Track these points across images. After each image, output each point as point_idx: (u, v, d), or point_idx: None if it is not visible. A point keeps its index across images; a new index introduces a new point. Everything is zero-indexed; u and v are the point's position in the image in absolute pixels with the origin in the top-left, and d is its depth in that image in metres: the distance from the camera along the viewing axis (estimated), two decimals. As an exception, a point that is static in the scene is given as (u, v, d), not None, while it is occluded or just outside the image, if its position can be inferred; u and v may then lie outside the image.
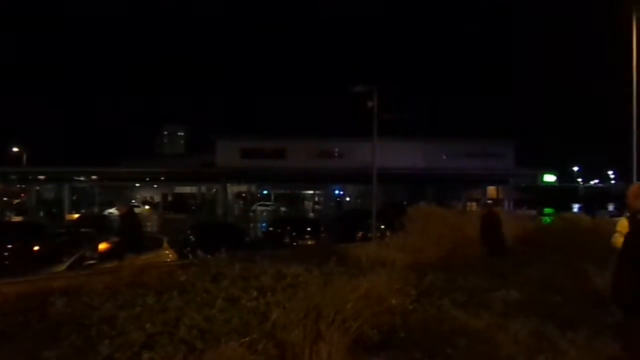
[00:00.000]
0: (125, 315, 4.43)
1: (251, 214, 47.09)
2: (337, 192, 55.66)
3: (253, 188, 54.72)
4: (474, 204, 45.64)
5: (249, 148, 41.63)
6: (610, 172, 75.88)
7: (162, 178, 49.79)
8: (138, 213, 17.28)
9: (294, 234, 17.92)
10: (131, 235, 9.58)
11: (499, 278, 7.65)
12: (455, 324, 5.07)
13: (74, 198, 51.66)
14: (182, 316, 4.31)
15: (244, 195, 55.04)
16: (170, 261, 9.99)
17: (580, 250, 10.32)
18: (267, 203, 53.64)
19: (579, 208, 42.94)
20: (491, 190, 48.13)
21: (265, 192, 56.05)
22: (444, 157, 41.18)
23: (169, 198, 58.18)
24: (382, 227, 17.87)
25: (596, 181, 78.62)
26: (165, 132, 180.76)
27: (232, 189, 51.96)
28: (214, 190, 52.79)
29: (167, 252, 11.08)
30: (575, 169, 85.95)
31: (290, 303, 4.57)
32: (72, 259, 8.81)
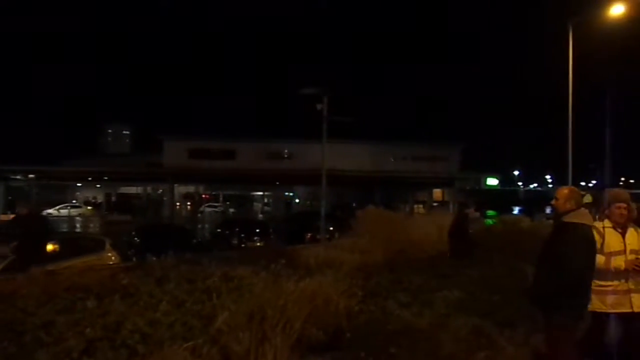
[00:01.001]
0: (63, 320, 4.26)
1: (199, 215, 46.30)
2: (286, 193, 55.61)
3: (201, 189, 53.83)
4: (421, 206, 46.83)
5: (197, 148, 40.92)
6: (548, 177, 79.52)
7: (106, 178, 48.14)
8: (44, 216, 16.20)
9: (243, 235, 17.79)
10: (30, 242, 8.43)
11: (442, 278, 7.87)
12: (399, 324, 5.18)
13: (10, 198, 49.16)
14: (124, 320, 4.20)
15: (191, 196, 54.05)
16: (113, 264, 9.68)
17: (519, 251, 10.73)
18: (216, 204, 52.91)
19: (519, 210, 44.65)
20: (437, 193, 49.46)
21: (213, 193, 55.27)
22: (392, 160, 41.95)
23: (113, 198, 56.31)
24: (331, 228, 18.02)
25: (535, 185, 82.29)
26: (110, 131, 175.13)
27: (180, 189, 50.91)
28: (160, 191, 51.55)
29: (109, 254, 10.72)
30: (516, 173, 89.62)
31: (236, 305, 4.54)
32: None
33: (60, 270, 6.55)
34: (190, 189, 53.85)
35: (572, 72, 18.91)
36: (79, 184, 55.15)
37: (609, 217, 4.60)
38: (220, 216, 41.51)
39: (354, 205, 33.01)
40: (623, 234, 4.54)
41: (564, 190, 4.11)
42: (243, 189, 55.91)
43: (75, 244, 11.38)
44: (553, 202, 4.13)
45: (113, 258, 10.63)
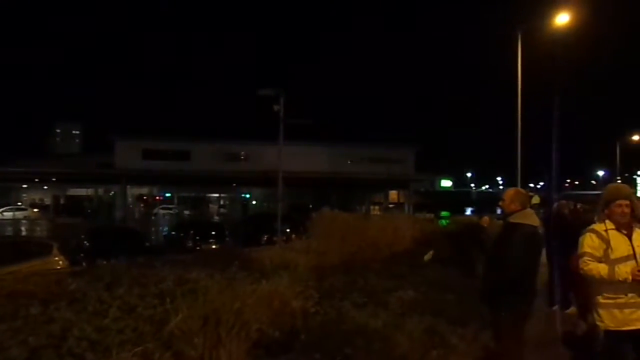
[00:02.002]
0: (4, 328, 4.06)
1: (153, 217, 45.27)
2: (243, 195, 55.10)
3: (155, 190, 52.65)
4: (377, 207, 47.41)
5: (151, 149, 40.09)
6: (499, 179, 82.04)
7: (54, 179, 46.37)
8: None
9: (198, 238, 17.51)
10: None
11: (397, 279, 7.96)
12: (354, 325, 5.20)
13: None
14: (71, 327, 4.03)
15: (145, 198, 52.80)
16: (61, 268, 9.34)
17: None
18: (170, 206, 51.87)
19: (472, 211, 45.84)
20: (393, 194, 50.21)
21: (168, 194, 54.14)
22: (348, 162, 42.32)
23: (62, 201, 54.30)
24: (288, 230, 18.00)
25: (487, 186, 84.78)
26: (59, 131, 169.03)
27: (133, 191, 49.64)
28: (112, 192, 50.11)
29: (57, 258, 10.33)
30: (469, 174, 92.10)
31: (190, 309, 4.45)
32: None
33: (3, 276, 6.25)
34: (144, 190, 52.61)
35: (521, 76, 19.60)
36: (24, 186, 52.90)
37: (609, 218, 3.92)
38: (175, 218, 40.71)
39: (310, 206, 33.07)
40: (629, 236, 3.86)
41: (510, 192, 4.26)
42: (198, 190, 55.06)
43: (20, 248, 10.92)
44: (500, 203, 4.28)
45: (61, 263, 10.24)
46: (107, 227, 25.61)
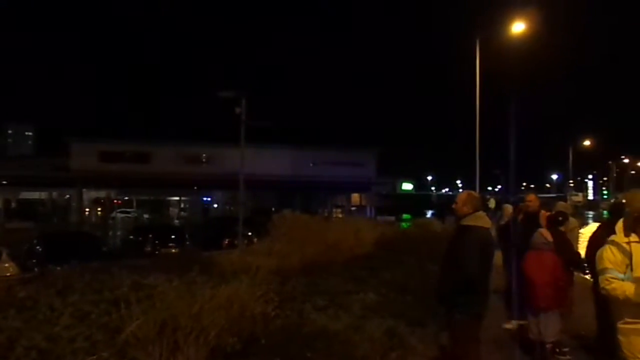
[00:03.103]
0: (-53, 339, 3.86)
1: (110, 221, 44.10)
2: (204, 198, 54.36)
3: (113, 194, 51.33)
4: (339, 210, 47.62)
5: (108, 151, 39.05)
6: (458, 182, 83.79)
7: (5, 182, 44.55)
8: None
9: (157, 242, 17.12)
10: None
11: (358, 281, 8.01)
12: (315, 328, 5.20)
13: None
14: (20, 337, 3.87)
15: (102, 201, 51.40)
16: (10, 275, 8.92)
17: (431, 253, 11.19)
18: (129, 210, 50.67)
19: (432, 214, 46.61)
20: (355, 197, 50.56)
21: (126, 198, 52.90)
22: (311, 165, 42.37)
23: (13, 205, 52.21)
24: (250, 233, 17.83)
25: (446, 189, 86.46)
26: (10, 132, 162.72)
27: (89, 194, 48.26)
28: (68, 196, 48.57)
29: (6, 265, 9.85)
30: (430, 178, 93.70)
31: (147, 316, 4.34)
32: None
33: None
34: (101, 194, 51.21)
35: (480, 82, 20.13)
36: (-28, 189, 50.65)
37: (634, 230, 3.39)
38: (133, 222, 39.78)
39: (273, 209, 32.92)
40: None
41: (462, 195, 4.37)
42: (158, 193, 53.99)
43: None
44: (454, 205, 4.37)
45: (10, 269, 9.79)
46: (61, 231, 24.76)
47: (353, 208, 48.86)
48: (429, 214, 47.06)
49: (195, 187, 46.84)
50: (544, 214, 6.58)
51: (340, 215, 37.84)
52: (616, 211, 6.08)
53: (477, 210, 4.24)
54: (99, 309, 4.55)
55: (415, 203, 56.15)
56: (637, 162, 77.78)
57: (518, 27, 19.38)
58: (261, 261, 8.56)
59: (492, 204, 6.79)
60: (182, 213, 55.17)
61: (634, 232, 3.39)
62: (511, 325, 6.58)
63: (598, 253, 3.48)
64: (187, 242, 17.38)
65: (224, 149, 36.24)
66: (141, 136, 43.48)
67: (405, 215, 38.05)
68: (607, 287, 3.32)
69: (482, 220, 4.18)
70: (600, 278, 3.39)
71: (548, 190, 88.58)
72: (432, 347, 5.41)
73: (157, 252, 15.67)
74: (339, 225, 12.94)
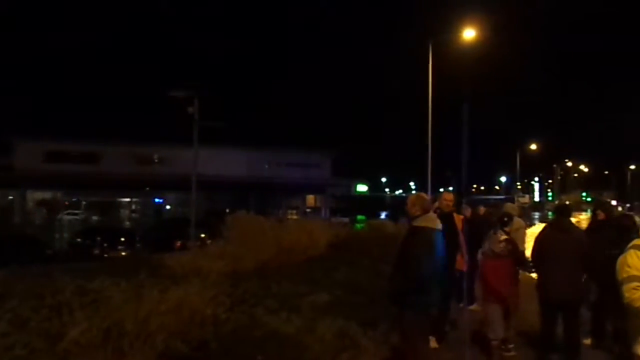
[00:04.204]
0: None
1: (56, 223, 42.42)
2: (156, 200, 53.09)
3: (59, 195, 49.38)
4: (294, 212, 47.56)
5: (55, 151, 37.63)
6: (411, 184, 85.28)
7: (-59, 183, 42.15)
8: None
9: (106, 244, 16.64)
10: None
11: (311, 283, 8.01)
12: (266, 330, 5.16)
13: None
14: (-50, 346, 3.66)
15: (48, 203, 49.34)
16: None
17: (383, 254, 11.33)
18: (76, 212, 48.89)
19: (386, 215, 47.21)
20: (310, 199, 50.65)
21: (73, 199, 51.00)
22: (266, 166, 42.18)
23: (-51, 206, 49.42)
24: (203, 235, 17.59)
25: (400, 191, 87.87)
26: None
27: (34, 196, 46.28)
28: (10, 197, 46.40)
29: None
30: (384, 179, 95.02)
31: (90, 321, 4.19)
32: None
33: None
34: (47, 195, 49.19)
35: (432, 85, 20.58)
36: None
37: None
38: (81, 224, 38.42)
39: (227, 211, 32.50)
40: None
41: (412, 197, 4.49)
42: (108, 195, 52.35)
43: None
44: (406, 207, 4.47)
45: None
46: (3, 234, 23.65)
47: (308, 209, 48.92)
48: (383, 215, 47.67)
49: (147, 188, 45.74)
50: (458, 217, 6.74)
51: (295, 217, 37.81)
52: (560, 212, 6.36)
53: (427, 212, 4.33)
54: (40, 315, 4.36)
55: (370, 204, 56.73)
56: (579, 166, 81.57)
57: (469, 33, 19.98)
58: (213, 264, 8.44)
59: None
60: (133, 215, 53.65)
61: None
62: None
63: (619, 261, 3.16)
64: (137, 245, 16.98)
65: (177, 149, 35.57)
66: (90, 135, 41.92)
67: (359, 217, 38.39)
68: (634, 296, 2.98)
69: (432, 221, 4.27)
70: (625, 287, 3.05)
71: (497, 192, 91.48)
72: (384, 347, 5.46)
73: (105, 255, 15.23)
74: (294, 227, 12.91)
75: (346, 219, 34.95)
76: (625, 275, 3.08)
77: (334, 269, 9.52)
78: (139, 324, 4.28)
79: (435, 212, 5.38)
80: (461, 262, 6.82)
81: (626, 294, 3.04)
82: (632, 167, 65.09)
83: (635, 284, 3.00)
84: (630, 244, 3.21)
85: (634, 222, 6.43)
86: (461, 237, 6.45)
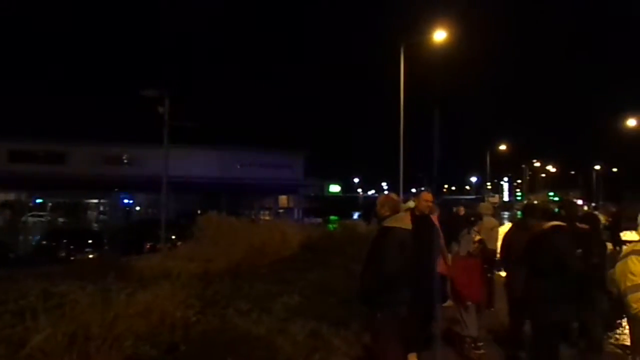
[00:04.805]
0: None
1: (21, 225, 41.21)
2: (126, 201, 52.13)
3: (24, 196, 48.00)
4: (267, 212, 47.38)
5: (19, 150, 36.61)
6: (384, 184, 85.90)
7: None
8: None
9: (72, 247, 16.26)
10: None
11: (283, 284, 7.97)
12: (238, 332, 5.10)
13: None
14: None
15: (11, 204, 47.93)
16: None
17: (356, 254, 11.36)
18: (42, 213, 47.63)
19: (359, 216, 47.42)
20: (282, 199, 50.52)
21: (39, 200, 49.65)
22: (238, 166, 41.88)
23: None
24: (173, 237, 17.36)
25: (372, 192, 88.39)
26: None
27: (-3, 197, 44.88)
28: (-27, 198, 44.87)
29: None
30: (356, 180, 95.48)
31: (55, 326, 4.07)
32: None
33: None
34: (11, 196, 47.75)
35: (404, 86, 20.76)
36: None
37: None
38: (47, 226, 37.43)
39: (199, 212, 32.14)
40: None
41: (381, 198, 4.53)
42: (75, 196, 51.14)
43: None
44: (376, 208, 4.50)
45: None
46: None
47: (281, 210, 48.77)
48: (355, 215, 47.86)
49: (116, 189, 44.90)
50: (434, 217, 6.63)
51: (267, 218, 37.66)
52: (528, 212, 6.49)
53: (397, 212, 4.36)
54: (2, 320, 4.22)
55: (343, 205, 56.92)
56: (547, 166, 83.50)
57: (439, 35, 20.23)
58: (184, 265, 8.35)
59: (411, 205, 6.80)
60: (102, 216, 52.55)
61: None
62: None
63: (618, 269, 2.94)
64: (105, 247, 16.64)
65: (147, 149, 35.02)
66: (56, 134, 40.81)
67: (332, 217, 38.45)
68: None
69: (402, 221, 4.30)
70: (631, 297, 2.81)
71: (468, 192, 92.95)
72: (356, 347, 5.47)
73: (71, 258, 14.87)
74: (266, 228, 12.87)
75: (319, 220, 35.01)
76: (630, 284, 2.84)
77: (306, 269, 9.50)
78: (106, 328, 4.18)
79: (413, 213, 5.24)
80: (443, 266, 6.67)
81: (634, 305, 2.81)
82: (597, 167, 66.99)
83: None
84: (628, 250, 2.98)
85: (597, 221, 6.65)
86: (442, 241, 6.11)
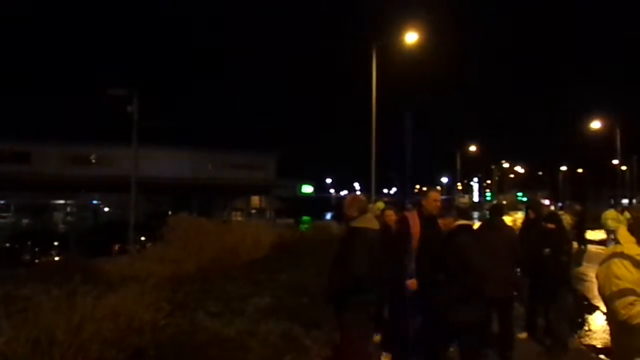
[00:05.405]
0: None
1: (-17, 227, 39.93)
2: (94, 202, 51.04)
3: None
4: (239, 213, 47.07)
5: (-18, 150, 35.43)
6: (356, 184, 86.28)
7: None
8: None
9: (37, 249, 15.85)
10: None
11: (255, 285, 7.94)
12: (208, 335, 5.06)
13: None
14: None
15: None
16: None
17: (328, 254, 11.37)
18: (5, 214, 46.27)
19: (332, 216, 47.51)
20: (255, 200, 50.27)
21: (2, 201, 48.21)
22: (210, 167, 41.47)
23: None
24: (143, 238, 17.09)
25: (345, 192, 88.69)
26: None
27: (-42, 198, 43.39)
28: None
29: None
30: (329, 180, 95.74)
31: (17, 331, 3.95)
32: None
33: None
34: (-27, 197, 46.22)
35: (376, 88, 20.88)
36: None
37: None
38: (11, 228, 36.37)
39: (170, 213, 31.71)
40: None
41: (348, 199, 4.54)
42: (40, 197, 49.79)
43: None
44: (343, 209, 4.51)
45: None
46: None
47: (253, 211, 48.53)
48: (328, 216, 47.94)
49: (83, 190, 43.93)
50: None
51: (239, 219, 37.39)
52: (495, 212, 6.63)
53: (364, 213, 4.37)
54: (-40, 327, 4.07)
55: (315, 205, 56.96)
56: (515, 167, 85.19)
57: (411, 37, 20.43)
58: (153, 267, 8.23)
59: (380, 205, 6.69)
60: (68, 218, 51.32)
61: None
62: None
63: (604, 272, 2.76)
64: (72, 249, 16.27)
65: (116, 149, 34.35)
66: (21, 134, 39.67)
67: (304, 218, 38.44)
68: (631, 312, 2.59)
69: (368, 222, 4.31)
70: (619, 303, 2.64)
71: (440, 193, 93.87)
72: (327, 347, 5.47)
73: (36, 261, 14.50)
74: (238, 229, 12.77)
75: (291, 220, 34.95)
76: (615, 289, 2.68)
77: (278, 270, 9.47)
78: (71, 332, 4.07)
79: (421, 214, 5.04)
80: None
81: (622, 311, 2.63)
82: (564, 168, 68.70)
83: (631, 298, 2.61)
84: (617, 251, 2.79)
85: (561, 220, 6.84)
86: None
